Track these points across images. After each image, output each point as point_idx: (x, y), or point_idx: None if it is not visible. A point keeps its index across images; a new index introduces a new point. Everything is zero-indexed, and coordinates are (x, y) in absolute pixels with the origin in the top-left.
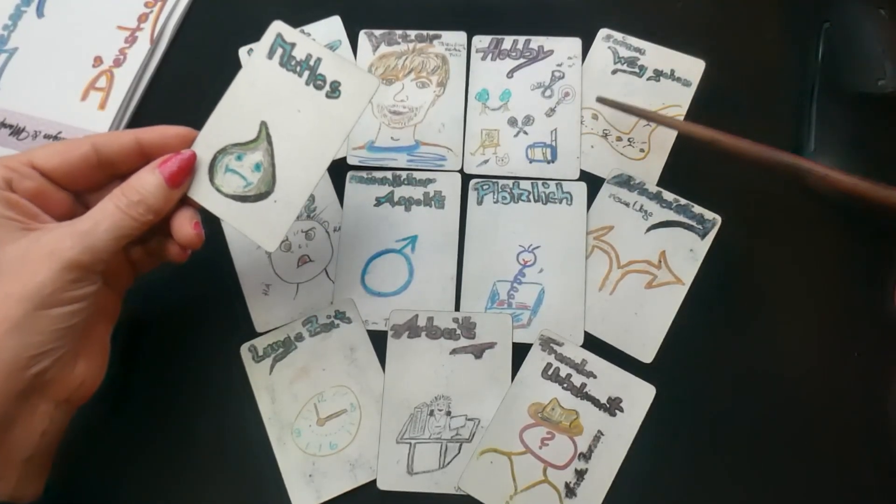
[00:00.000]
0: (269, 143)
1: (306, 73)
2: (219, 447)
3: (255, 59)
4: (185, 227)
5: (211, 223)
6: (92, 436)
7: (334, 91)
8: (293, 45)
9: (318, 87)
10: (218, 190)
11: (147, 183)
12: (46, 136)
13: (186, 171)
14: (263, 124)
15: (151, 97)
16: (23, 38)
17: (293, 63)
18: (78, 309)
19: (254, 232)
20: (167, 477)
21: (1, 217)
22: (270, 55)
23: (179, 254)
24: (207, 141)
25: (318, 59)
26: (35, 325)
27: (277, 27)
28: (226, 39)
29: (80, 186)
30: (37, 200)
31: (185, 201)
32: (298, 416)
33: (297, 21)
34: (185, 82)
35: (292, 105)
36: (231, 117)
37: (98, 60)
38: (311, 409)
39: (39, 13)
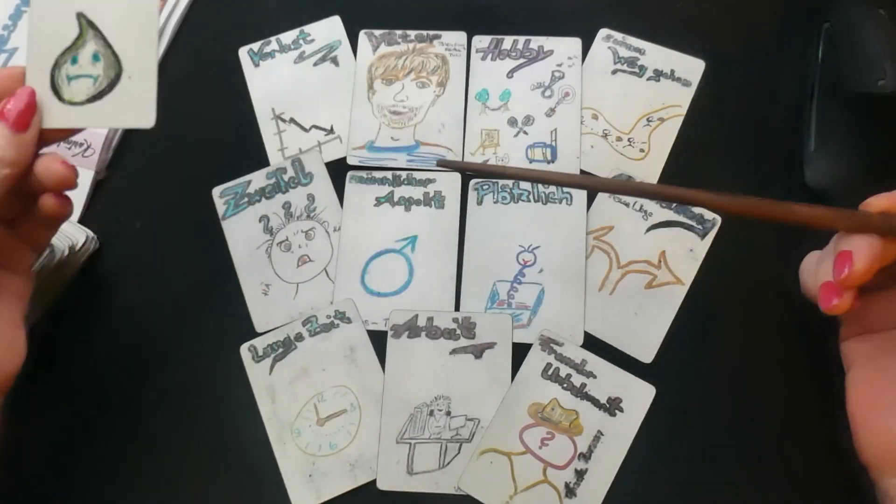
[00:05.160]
0: (94, 27)
1: None
2: (219, 447)
3: None
4: (51, 166)
5: (210, 225)
6: (91, 436)
7: None
8: None
9: None
10: (72, 103)
11: None
12: None
13: (30, 110)
14: (80, 15)
15: None
16: (23, 38)
17: None
18: None
19: (127, 120)
20: (167, 477)
21: None
22: None
23: (56, 205)
24: (37, 65)
25: None
26: None
27: None
28: (226, 39)
29: None
30: None
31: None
32: (298, 416)
33: (297, 21)
34: (185, 82)
35: None
36: (46, 29)
37: None
38: (311, 409)
39: None
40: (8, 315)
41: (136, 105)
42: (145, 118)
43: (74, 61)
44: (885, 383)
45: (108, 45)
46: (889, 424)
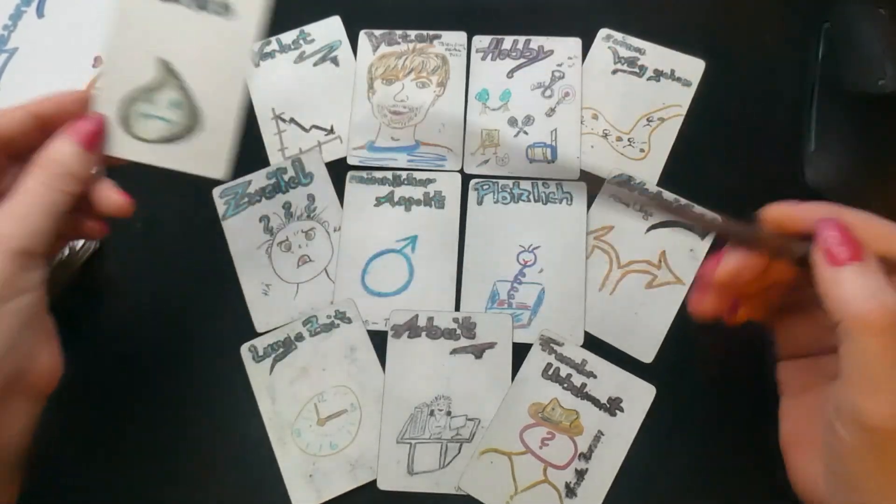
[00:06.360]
0: (176, 76)
1: None
2: (219, 447)
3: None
4: (112, 196)
5: (210, 225)
6: (91, 437)
7: (225, 9)
8: None
9: (206, 9)
10: (141, 139)
11: (64, 153)
12: None
13: (100, 133)
14: (161, 62)
15: None
16: (23, 38)
17: None
18: (34, 298)
19: (197, 167)
20: (167, 477)
21: None
22: None
23: (98, 229)
24: (109, 96)
25: None
26: None
27: None
28: None
29: None
30: None
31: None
32: (299, 416)
33: (296, 21)
34: None
35: (185, 34)
36: (125, 64)
37: (98, 60)
38: (311, 409)
39: (39, 13)
40: (46, 316)
41: (210, 155)
42: (217, 169)
43: (151, 101)
44: (810, 419)
45: (189, 97)
46: (811, 464)
